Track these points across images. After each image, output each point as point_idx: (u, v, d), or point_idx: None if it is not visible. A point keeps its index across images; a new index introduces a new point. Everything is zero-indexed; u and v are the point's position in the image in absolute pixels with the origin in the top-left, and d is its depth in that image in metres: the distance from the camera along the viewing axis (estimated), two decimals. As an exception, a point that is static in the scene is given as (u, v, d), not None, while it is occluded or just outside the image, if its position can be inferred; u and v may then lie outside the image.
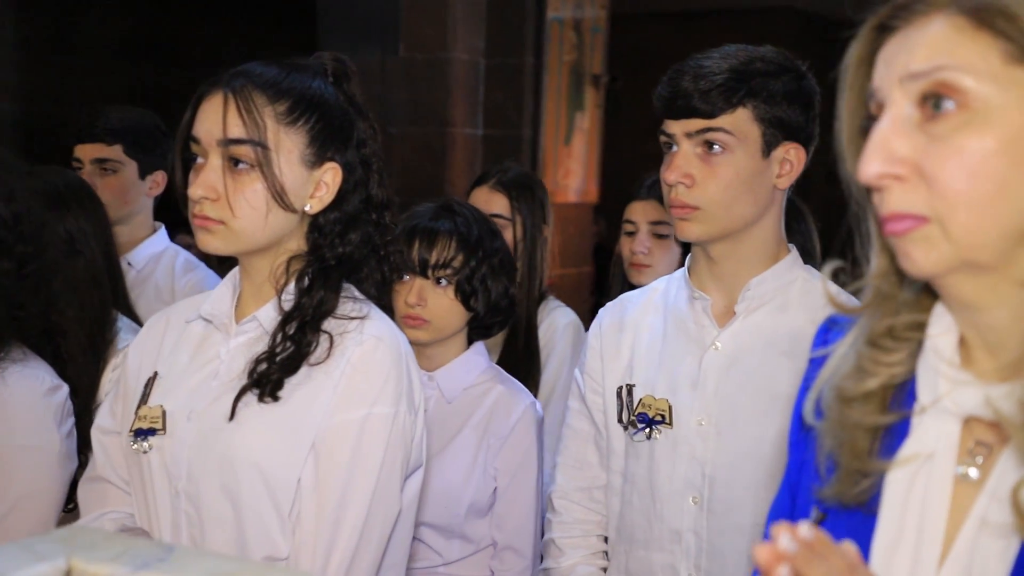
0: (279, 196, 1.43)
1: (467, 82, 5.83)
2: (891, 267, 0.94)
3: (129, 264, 2.64)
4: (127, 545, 0.98)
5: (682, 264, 2.53)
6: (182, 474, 1.46)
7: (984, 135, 0.83)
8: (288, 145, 1.44)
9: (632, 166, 10.24)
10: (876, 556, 0.90)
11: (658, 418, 1.67)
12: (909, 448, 0.92)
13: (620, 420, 1.73)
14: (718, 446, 1.64)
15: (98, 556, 0.93)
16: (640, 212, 2.58)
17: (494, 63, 5.94)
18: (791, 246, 1.72)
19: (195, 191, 1.43)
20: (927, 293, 0.94)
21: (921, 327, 0.94)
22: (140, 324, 2.15)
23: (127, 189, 2.67)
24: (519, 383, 2.09)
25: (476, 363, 2.02)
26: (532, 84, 6.15)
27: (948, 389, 0.90)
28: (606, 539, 1.79)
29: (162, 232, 2.78)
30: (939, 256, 0.86)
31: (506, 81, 6.00)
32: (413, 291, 1.91)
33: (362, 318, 1.47)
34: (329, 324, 1.46)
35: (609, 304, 1.87)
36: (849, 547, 0.81)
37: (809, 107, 1.63)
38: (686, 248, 2.46)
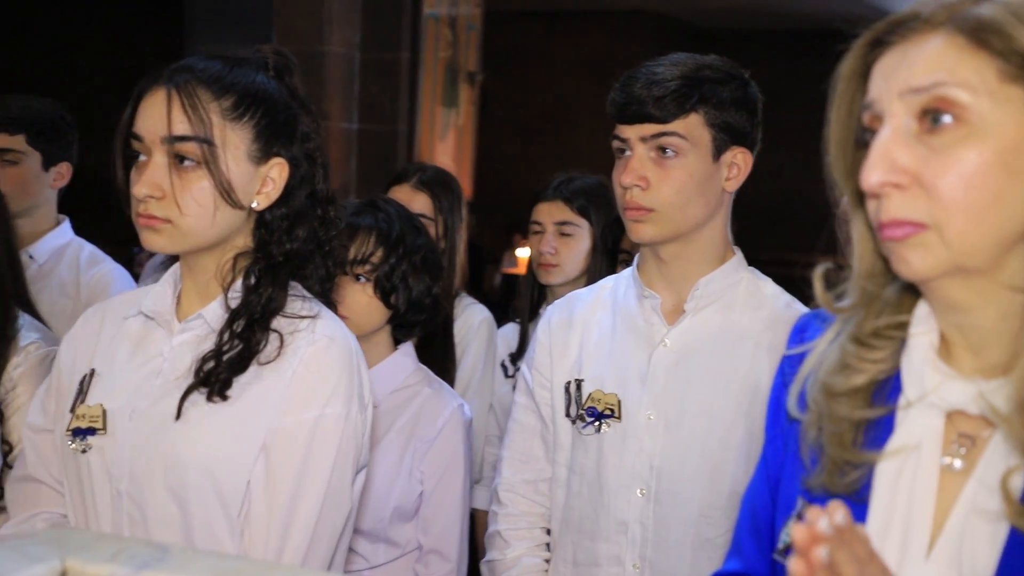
0: (227, 193, 1.40)
1: (342, 76, 5.76)
2: (877, 269, 0.99)
3: (31, 258, 2.52)
4: (120, 545, 0.95)
5: (588, 263, 2.60)
6: (124, 475, 1.41)
7: (980, 148, 0.88)
8: (234, 141, 1.41)
9: (499, 163, 10.28)
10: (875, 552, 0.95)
11: (607, 412, 1.70)
12: (897, 440, 0.97)
13: (568, 414, 1.76)
14: (666, 440, 1.68)
15: (94, 557, 0.90)
16: (546, 213, 2.63)
17: (370, 57, 5.88)
18: (736, 248, 1.77)
19: (140, 190, 1.38)
20: (908, 294, 1.00)
21: (903, 326, 1.00)
22: (41, 320, 2.06)
23: (29, 181, 2.54)
24: (447, 385, 2.07)
25: (403, 365, 2.00)
26: (408, 79, 6.12)
27: (935, 384, 0.95)
28: (548, 531, 1.82)
29: (66, 225, 2.66)
30: (935, 260, 0.91)
31: (382, 76, 5.95)
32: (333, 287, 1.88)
33: (313, 317, 1.45)
34: (279, 323, 1.43)
35: (558, 302, 1.89)
36: (865, 533, 0.85)
37: (754, 113, 1.70)
38: (603, 250, 2.52)
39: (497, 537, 1.83)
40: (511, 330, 2.77)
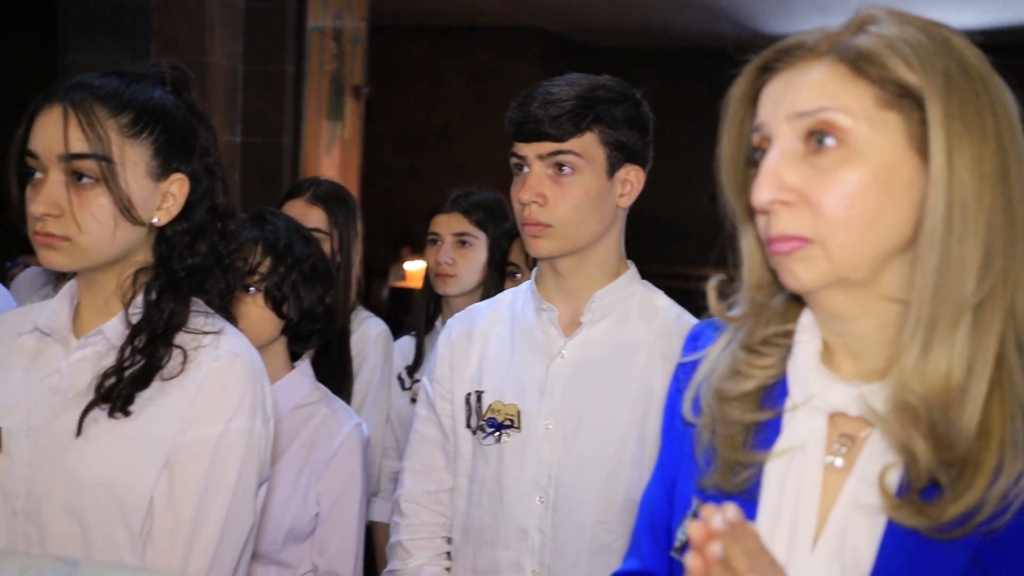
0: (127, 210, 1.40)
1: (225, 88, 5.69)
2: (765, 281, 1.06)
3: None
4: (28, 561, 0.94)
5: (484, 274, 2.65)
6: (20, 493, 1.40)
7: (860, 169, 0.96)
8: (133, 158, 1.41)
9: (385, 176, 10.25)
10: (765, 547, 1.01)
11: (507, 423, 1.75)
12: (784, 441, 1.03)
13: (468, 425, 1.80)
14: (563, 449, 1.74)
15: (2, 574, 0.89)
16: (444, 224, 2.67)
17: (253, 70, 5.82)
18: (630, 262, 1.84)
19: (37, 208, 1.38)
20: (794, 304, 1.07)
21: (789, 334, 1.07)
22: None
23: None
24: (345, 404, 2.08)
25: (301, 384, 2.00)
26: (292, 93, 6.08)
27: (819, 388, 1.03)
28: (450, 541, 1.85)
29: None
30: (819, 273, 0.98)
31: (265, 89, 5.90)
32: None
33: (217, 332, 1.46)
34: (181, 338, 1.44)
35: (458, 315, 1.93)
36: (756, 529, 0.91)
37: (646, 132, 1.77)
38: (491, 261, 2.57)
39: (399, 547, 1.85)
40: (407, 342, 2.80)
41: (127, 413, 1.39)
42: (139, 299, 1.44)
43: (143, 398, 1.40)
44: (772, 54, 1.03)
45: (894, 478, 0.96)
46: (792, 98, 0.98)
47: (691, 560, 0.86)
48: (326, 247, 2.52)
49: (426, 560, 1.83)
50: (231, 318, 1.54)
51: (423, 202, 2.91)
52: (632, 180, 1.76)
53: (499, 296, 1.92)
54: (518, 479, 1.74)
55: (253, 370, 1.46)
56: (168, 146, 1.45)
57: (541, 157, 1.71)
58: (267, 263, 1.89)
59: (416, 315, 2.82)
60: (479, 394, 1.79)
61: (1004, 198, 0.95)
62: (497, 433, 1.75)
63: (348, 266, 2.56)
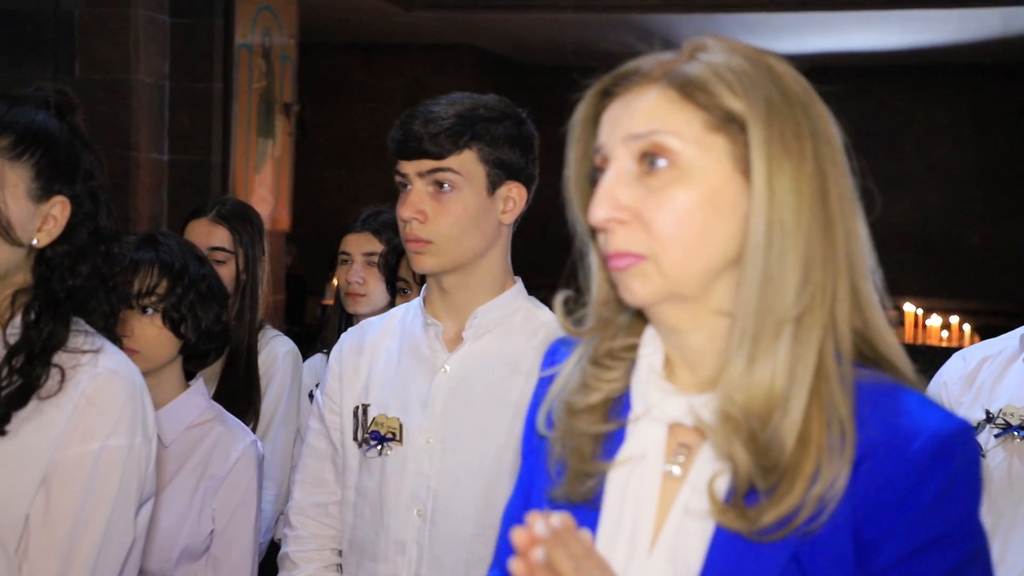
0: (5, 231, 1.42)
1: (151, 105, 5.67)
2: (610, 296, 1.11)
3: None
4: None
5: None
6: None
7: (689, 189, 1.01)
8: (13, 180, 1.44)
9: (319, 193, 10.23)
10: (600, 543, 1.06)
11: (389, 436, 1.78)
12: (625, 451, 1.08)
13: (355, 438, 1.83)
14: (443, 462, 1.78)
15: None
16: (355, 244, 2.72)
17: (180, 87, 5.81)
18: (516, 278, 1.88)
19: None
20: (639, 319, 1.12)
21: (634, 348, 1.12)
22: None
23: None
24: (240, 422, 2.11)
25: (195, 403, 2.03)
26: (221, 110, 6.07)
27: (657, 400, 1.08)
28: (340, 552, 1.88)
29: None
30: (653, 288, 1.03)
31: (193, 106, 5.89)
32: (120, 323, 1.90)
33: (95, 351, 1.48)
34: (60, 357, 1.46)
35: (351, 329, 1.98)
36: (586, 534, 0.95)
37: (529, 150, 1.81)
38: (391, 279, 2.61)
39: (287, 559, 1.89)
40: (319, 360, 2.83)
41: (3, 432, 1.40)
42: (17, 319, 1.46)
43: (19, 417, 1.41)
44: (611, 79, 1.08)
45: (722, 485, 1.01)
46: (627, 121, 1.04)
47: (514, 564, 0.90)
48: (231, 266, 2.55)
49: (313, 571, 1.86)
50: (115, 339, 1.56)
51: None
52: (514, 197, 1.80)
53: (391, 311, 1.96)
54: (398, 492, 1.77)
55: (133, 387, 1.48)
56: (49, 169, 1.47)
57: (421, 174, 1.75)
58: (163, 285, 1.92)
59: (328, 333, 2.85)
60: (365, 407, 1.83)
61: (822, 217, 1.01)
62: (380, 446, 1.79)
63: (254, 284, 2.59)
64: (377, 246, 2.72)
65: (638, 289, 1.03)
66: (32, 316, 1.46)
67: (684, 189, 1.01)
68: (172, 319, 1.93)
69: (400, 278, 2.52)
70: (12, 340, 1.45)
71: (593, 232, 1.10)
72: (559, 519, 0.91)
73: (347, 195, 9.28)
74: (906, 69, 9.40)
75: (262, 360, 2.60)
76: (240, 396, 2.47)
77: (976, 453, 1.01)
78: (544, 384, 1.19)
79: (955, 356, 2.09)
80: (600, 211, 1.03)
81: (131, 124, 5.45)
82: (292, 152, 7.04)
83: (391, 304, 2.45)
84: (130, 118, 5.45)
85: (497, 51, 9.78)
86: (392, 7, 7.86)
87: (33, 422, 1.42)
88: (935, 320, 6.09)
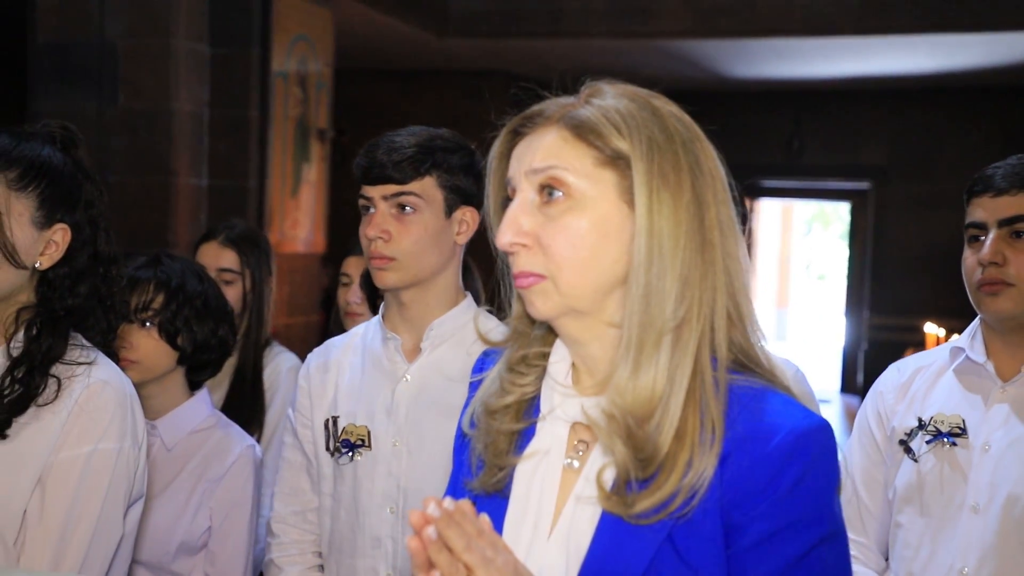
0: (10, 256, 1.59)
1: (191, 133, 5.88)
2: (524, 311, 1.26)
3: None
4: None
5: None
6: None
7: (581, 217, 1.16)
8: (19, 208, 1.61)
9: (356, 217, 10.36)
10: (507, 529, 1.20)
11: (359, 442, 1.95)
12: (533, 447, 1.23)
13: (328, 448, 2.00)
14: (410, 463, 1.95)
15: None
16: (354, 266, 2.88)
17: (218, 114, 6.03)
18: (467, 292, 2.06)
19: None
20: (551, 331, 1.27)
21: (546, 356, 1.27)
22: None
23: None
24: (239, 428, 2.28)
25: (197, 411, 2.20)
26: (258, 136, 6.28)
27: (560, 401, 1.22)
28: (320, 554, 2.04)
29: None
30: (553, 304, 1.18)
31: (231, 132, 6.11)
32: (119, 336, 2.07)
33: (89, 363, 1.64)
34: (57, 369, 1.62)
35: (316, 349, 2.15)
36: (484, 518, 1.09)
37: (480, 178, 1.99)
38: None
39: (271, 565, 2.06)
40: None
41: (3, 436, 1.57)
42: (20, 334, 1.63)
43: (19, 422, 1.58)
44: (519, 120, 1.23)
45: (608, 475, 1.15)
46: (530, 157, 1.19)
47: (410, 542, 1.04)
48: (238, 287, 2.73)
49: (296, 573, 2.02)
50: (112, 353, 1.73)
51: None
52: (468, 220, 1.99)
53: (353, 329, 2.14)
54: (370, 492, 1.94)
55: (123, 396, 1.64)
56: (52, 199, 1.64)
57: (385, 198, 1.93)
58: (160, 299, 2.10)
59: None
60: (335, 419, 2.00)
61: (699, 240, 1.15)
62: (350, 453, 1.96)
63: (260, 304, 2.76)
64: None
65: (540, 305, 1.18)
66: (34, 331, 1.62)
67: (577, 217, 1.16)
68: (168, 331, 2.10)
69: (381, 297, 2.69)
70: (15, 353, 1.61)
71: (509, 255, 1.25)
72: (452, 502, 1.05)
73: (383, 218, 9.46)
74: (937, 92, 9.43)
75: (267, 375, 2.77)
76: (246, 409, 2.65)
77: (832, 448, 1.14)
78: (473, 389, 1.34)
79: (890, 368, 2.19)
80: (505, 236, 1.18)
81: (171, 151, 5.67)
82: (328, 177, 7.26)
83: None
84: (170, 145, 5.67)
85: (530, 76, 9.93)
86: (425, 35, 8.07)
87: (31, 427, 1.58)
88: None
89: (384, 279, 1.95)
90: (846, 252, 11.71)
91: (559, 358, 1.25)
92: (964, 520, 1.95)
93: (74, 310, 1.66)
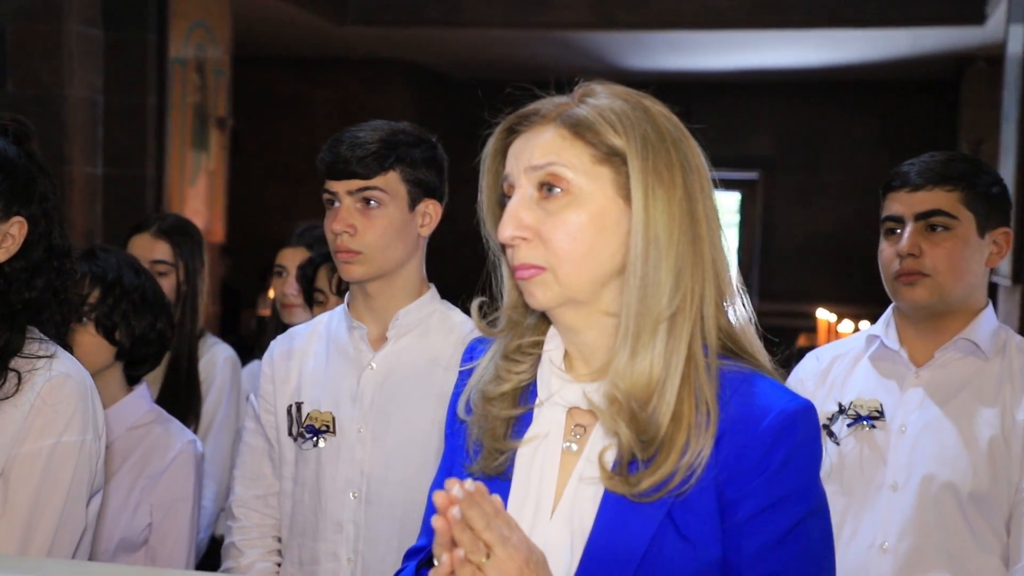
0: None
1: (85, 120, 5.72)
2: (519, 301, 1.31)
3: None
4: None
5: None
6: None
7: (580, 211, 1.22)
8: None
9: (255, 207, 10.24)
10: (510, 511, 1.25)
11: (323, 428, 1.99)
12: (532, 431, 1.28)
13: (290, 433, 2.03)
14: (374, 449, 1.99)
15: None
16: (290, 257, 2.90)
17: (114, 102, 5.88)
18: (431, 284, 2.11)
19: None
20: (543, 320, 1.32)
21: (539, 345, 1.32)
22: None
23: None
24: (179, 423, 2.27)
25: (137, 406, 2.18)
26: (155, 124, 6.15)
27: (558, 388, 1.28)
28: (279, 539, 2.07)
29: None
30: (553, 295, 1.23)
31: (127, 120, 5.96)
32: None
33: (50, 356, 1.62)
34: (17, 363, 1.60)
35: (280, 336, 2.17)
36: (497, 499, 1.14)
37: (441, 171, 2.05)
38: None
39: (232, 548, 2.07)
40: (257, 367, 2.99)
41: None
42: None
43: None
44: (515, 119, 1.28)
45: (610, 457, 1.21)
46: (528, 155, 1.24)
47: (435, 521, 1.09)
48: (172, 278, 2.71)
49: (258, 557, 2.05)
50: (66, 346, 1.71)
51: (292, 232, 3.11)
52: (431, 213, 2.03)
53: (317, 318, 2.17)
54: (334, 478, 1.98)
55: (84, 389, 1.63)
56: (9, 192, 1.61)
57: (351, 193, 1.97)
58: (95, 294, 2.08)
59: (266, 341, 3.01)
60: (299, 405, 2.03)
61: (691, 233, 1.22)
62: (315, 438, 1.99)
63: (194, 295, 2.75)
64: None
65: (540, 295, 1.24)
66: None
67: (576, 212, 1.22)
68: (105, 326, 2.08)
69: (317, 289, 2.71)
70: None
71: (503, 247, 1.30)
72: (472, 484, 1.10)
73: (281, 208, 9.39)
74: (823, 86, 9.79)
75: (202, 366, 2.76)
76: (181, 400, 2.63)
77: (816, 428, 1.23)
78: (464, 377, 1.39)
79: (809, 355, 2.30)
80: (507, 230, 1.23)
81: (64, 139, 5.50)
82: (227, 166, 7.15)
83: (311, 313, 2.65)
84: (64, 133, 5.50)
85: (429, 66, 9.95)
86: (325, 23, 8.00)
87: None
88: (846, 326, 6.42)
89: (351, 272, 1.98)
90: (736, 241, 12.06)
91: (554, 346, 1.30)
92: (884, 498, 2.07)
93: (30, 303, 1.64)
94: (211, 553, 2.75)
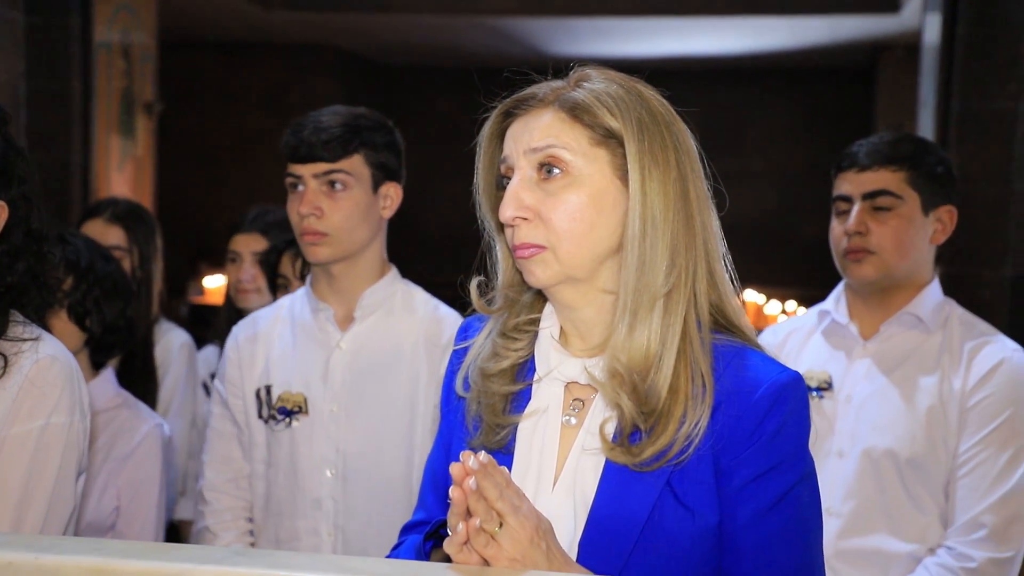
0: None
1: (7, 105, 5.56)
2: (516, 280, 1.34)
3: None
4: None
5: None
6: None
7: (579, 192, 1.25)
8: None
9: (182, 193, 10.05)
10: (514, 482, 1.29)
11: (296, 409, 2.01)
12: (532, 406, 1.32)
13: (260, 416, 2.04)
14: (348, 426, 2.02)
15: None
16: (243, 243, 2.88)
17: (37, 86, 5.74)
18: (391, 264, 2.14)
19: None
20: (539, 298, 1.36)
21: (536, 322, 1.35)
22: None
23: None
24: (147, 407, 2.26)
25: (103, 391, 2.17)
26: (80, 109, 6.02)
27: (557, 363, 1.31)
28: (250, 520, 2.07)
29: None
30: (552, 273, 1.27)
31: (51, 106, 5.83)
32: None
33: (35, 339, 1.62)
34: (2, 345, 1.59)
35: (242, 321, 2.19)
36: (505, 471, 1.18)
37: (400, 155, 2.08)
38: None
39: (206, 531, 2.07)
40: (211, 352, 2.98)
41: None
42: None
43: None
44: (512, 102, 1.31)
45: (610, 428, 1.25)
46: (527, 138, 1.27)
47: (453, 492, 1.12)
48: (126, 264, 2.68)
49: (232, 539, 2.06)
50: (47, 329, 1.71)
51: (221, 218, 3.10)
52: (392, 195, 2.07)
53: (279, 302, 2.19)
54: (309, 456, 2.00)
55: (70, 371, 1.63)
56: None
57: (316, 176, 1.99)
58: (69, 281, 2.06)
59: (220, 327, 3.00)
60: (268, 388, 2.04)
61: (684, 213, 1.27)
62: (287, 419, 2.01)
63: (149, 280, 2.72)
64: (264, 245, 2.88)
65: (540, 273, 1.27)
66: None
67: (575, 192, 1.25)
68: (77, 313, 2.07)
69: (280, 275, 2.71)
70: None
71: (500, 228, 1.33)
72: (485, 456, 1.13)
73: (209, 195, 9.24)
74: (745, 72, 9.98)
75: (158, 352, 2.73)
76: (137, 386, 2.59)
77: (804, 398, 1.28)
78: (459, 355, 1.41)
79: (766, 331, 2.43)
80: (508, 210, 1.26)
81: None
82: (154, 152, 7.02)
83: (274, 299, 2.65)
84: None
85: (357, 52, 9.88)
86: (251, 7, 7.89)
87: None
88: (774, 306, 6.58)
89: (316, 254, 2.00)
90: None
91: (551, 323, 1.34)
92: (831, 464, 2.16)
93: (12, 287, 1.63)
94: (169, 538, 2.73)
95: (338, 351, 2.05)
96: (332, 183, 1.99)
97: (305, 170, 2.00)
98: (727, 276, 1.33)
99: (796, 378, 1.27)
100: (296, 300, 2.14)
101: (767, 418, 1.23)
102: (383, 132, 2.05)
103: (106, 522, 2.09)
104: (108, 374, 2.18)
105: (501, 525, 1.12)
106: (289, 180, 2.03)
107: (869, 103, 9.15)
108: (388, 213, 2.08)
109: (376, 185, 2.04)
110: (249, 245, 2.88)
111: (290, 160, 2.01)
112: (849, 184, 2.19)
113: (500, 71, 1.35)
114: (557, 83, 1.31)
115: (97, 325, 2.08)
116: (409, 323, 2.07)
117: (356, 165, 2.00)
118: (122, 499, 2.11)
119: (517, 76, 1.33)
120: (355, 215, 2.00)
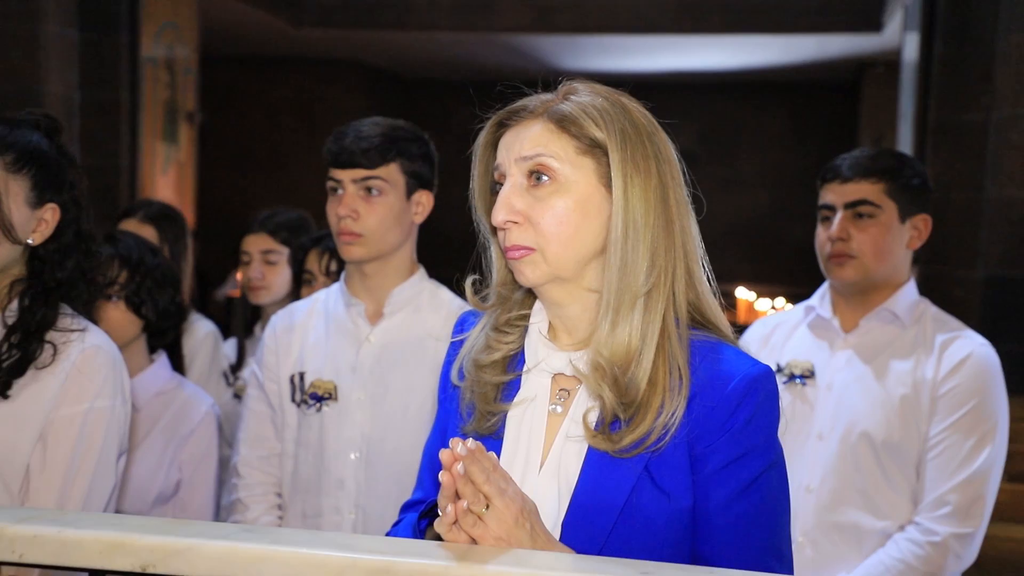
0: (8, 232, 1.59)
1: (62, 113, 5.62)
2: (508, 278, 1.33)
3: None
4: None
5: (292, 283, 2.85)
6: None
7: (566, 198, 1.24)
8: (15, 189, 1.60)
9: (220, 195, 10.11)
10: (502, 465, 1.27)
11: (326, 395, 2.01)
12: (521, 395, 1.31)
13: (294, 400, 2.05)
14: (373, 414, 2.02)
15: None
16: (252, 243, 2.88)
17: (89, 97, 5.78)
18: (420, 264, 2.14)
19: None
20: (530, 295, 1.35)
21: (526, 318, 1.34)
22: None
23: None
24: (200, 389, 2.29)
25: (160, 374, 2.21)
26: (128, 118, 6.06)
27: (545, 356, 1.30)
28: (279, 495, 2.08)
29: None
30: (540, 273, 1.26)
31: (102, 115, 5.88)
32: None
33: (82, 330, 1.65)
34: (52, 335, 1.62)
35: (280, 311, 2.19)
36: (493, 456, 1.17)
37: (433, 165, 2.08)
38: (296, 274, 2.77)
39: (238, 503, 2.08)
40: (229, 345, 2.99)
41: (5, 396, 1.56)
42: (14, 304, 1.62)
43: (19, 384, 1.58)
44: (505, 114, 1.30)
45: (593, 417, 1.24)
46: (518, 147, 1.26)
47: (442, 476, 1.11)
48: None
49: (262, 511, 2.07)
50: (94, 321, 1.74)
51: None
52: (423, 202, 2.06)
53: (314, 296, 2.19)
54: (336, 439, 2.00)
55: (113, 360, 1.65)
56: (43, 181, 1.63)
57: (355, 181, 1.99)
58: (124, 275, 2.09)
59: (236, 322, 3.01)
60: (302, 375, 2.05)
61: (664, 218, 1.25)
62: (318, 404, 2.02)
63: (178, 276, 2.72)
64: (272, 244, 2.88)
65: (529, 273, 1.26)
66: (26, 302, 1.62)
67: (562, 198, 1.24)
68: (134, 303, 2.10)
69: (307, 271, 2.71)
70: (10, 321, 1.61)
71: (494, 230, 1.31)
72: (473, 442, 1.12)
73: (244, 197, 9.28)
74: (740, 86, 9.93)
75: (186, 341, 2.74)
76: None
77: (775, 390, 1.27)
78: (455, 347, 1.41)
79: (756, 323, 2.44)
80: (500, 214, 1.25)
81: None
82: (195, 157, 7.06)
83: (294, 294, 2.65)
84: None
85: (380, 66, 9.89)
86: (282, 24, 7.91)
87: (31, 388, 1.58)
88: (764, 303, 6.55)
89: (351, 252, 2.00)
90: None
91: (539, 319, 1.33)
92: (811, 446, 2.17)
93: (62, 282, 1.66)
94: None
95: (367, 344, 2.05)
96: (369, 188, 1.99)
97: (345, 175, 2.00)
98: (705, 276, 1.31)
99: (767, 372, 1.25)
100: (331, 294, 2.15)
101: (739, 409, 1.22)
102: (419, 143, 2.05)
103: (171, 492, 2.15)
104: (163, 360, 2.23)
105: (488, 507, 1.11)
106: (330, 184, 2.03)
107: (854, 115, 9.10)
108: (419, 219, 2.08)
109: (410, 192, 2.03)
110: (257, 245, 2.87)
111: (331, 165, 2.02)
112: (833, 194, 2.20)
113: (515, 85, 1.33)
114: (547, 96, 1.30)
115: (152, 312, 2.12)
116: (434, 319, 2.07)
117: (392, 173, 2.00)
118: (184, 472, 2.16)
119: (509, 89, 1.32)
120: (388, 219, 2.00)
